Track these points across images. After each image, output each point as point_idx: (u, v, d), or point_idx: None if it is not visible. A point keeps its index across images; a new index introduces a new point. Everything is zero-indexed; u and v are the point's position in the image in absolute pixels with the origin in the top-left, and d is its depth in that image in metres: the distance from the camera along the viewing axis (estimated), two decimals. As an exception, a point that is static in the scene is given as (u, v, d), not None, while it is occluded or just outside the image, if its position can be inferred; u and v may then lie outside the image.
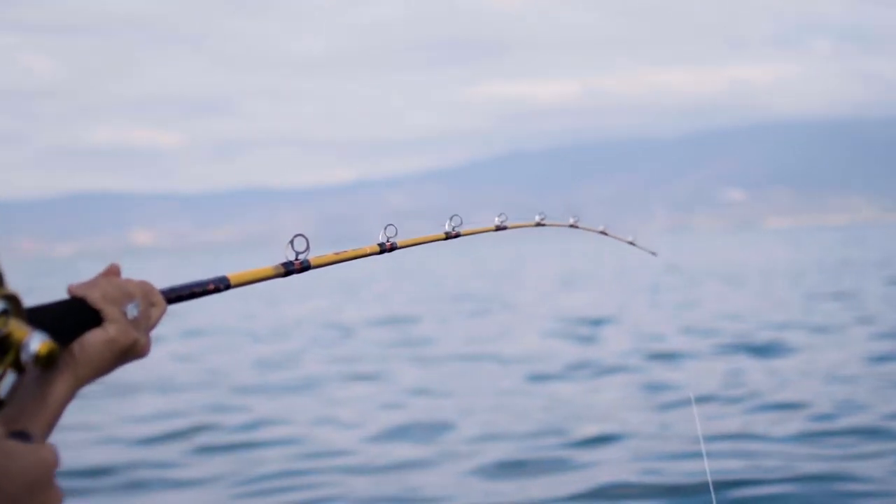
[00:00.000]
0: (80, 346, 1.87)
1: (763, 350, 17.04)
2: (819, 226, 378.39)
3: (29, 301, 1.73)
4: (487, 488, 8.83)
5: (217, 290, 2.20)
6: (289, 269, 2.39)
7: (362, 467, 9.91)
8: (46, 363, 1.59)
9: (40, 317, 1.79)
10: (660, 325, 22.28)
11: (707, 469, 8.32)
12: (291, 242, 2.40)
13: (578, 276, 50.63)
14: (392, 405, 13.53)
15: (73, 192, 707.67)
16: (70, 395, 1.89)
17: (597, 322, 23.78)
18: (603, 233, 4.22)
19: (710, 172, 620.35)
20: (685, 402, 12.21)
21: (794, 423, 10.67)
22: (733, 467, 8.73)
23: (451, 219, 3.14)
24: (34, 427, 1.82)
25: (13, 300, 1.61)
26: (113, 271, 2.01)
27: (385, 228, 2.77)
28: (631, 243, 4.49)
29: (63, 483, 1.59)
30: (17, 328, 1.59)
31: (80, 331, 1.88)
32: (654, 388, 13.69)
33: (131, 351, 1.95)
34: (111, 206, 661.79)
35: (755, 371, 14.76)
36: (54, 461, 1.54)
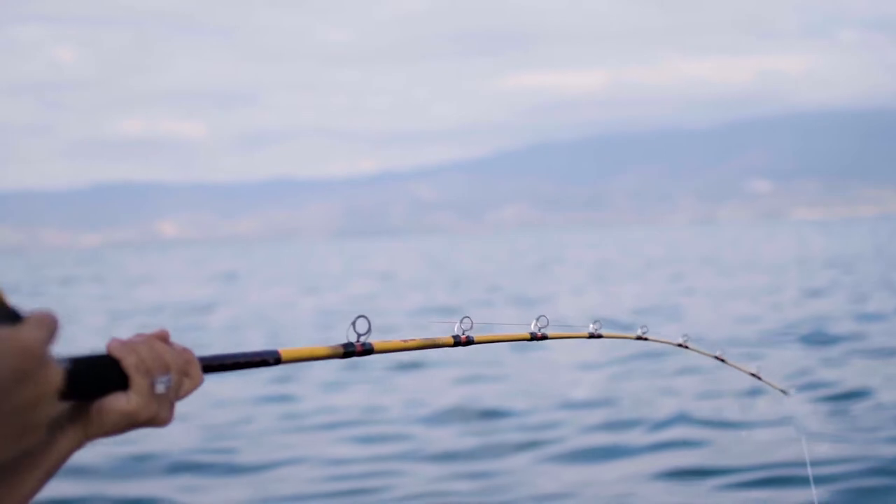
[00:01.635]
0: (98, 408, 1.87)
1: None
2: (847, 217, 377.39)
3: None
4: None
5: (265, 363, 2.15)
6: (348, 351, 2.32)
7: None
8: None
9: (73, 366, 1.77)
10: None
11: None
12: (353, 324, 2.31)
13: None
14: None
15: (100, 183, 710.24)
16: (75, 449, 1.90)
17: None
18: (719, 359, 3.93)
19: (737, 163, 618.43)
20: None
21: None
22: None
23: (537, 319, 2.90)
24: (32, 475, 1.84)
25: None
26: (160, 336, 1.96)
27: (461, 321, 2.63)
28: (754, 375, 4.00)
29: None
30: None
31: (107, 390, 1.87)
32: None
33: (148, 423, 1.93)
34: (138, 196, 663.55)
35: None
36: (38, 340, 1.47)
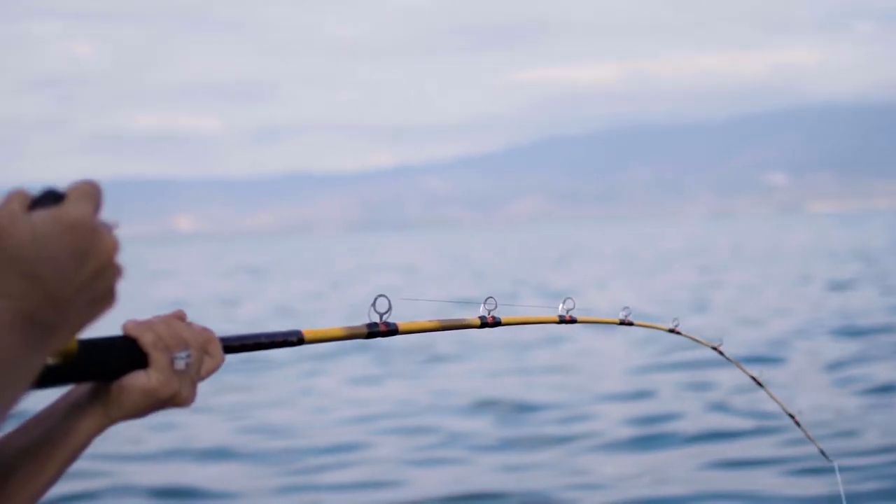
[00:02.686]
0: (119, 388, 1.85)
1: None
2: (862, 210, 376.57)
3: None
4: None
5: (288, 343, 2.13)
6: (372, 331, 2.26)
7: None
8: (62, 358, 1.57)
9: (89, 349, 1.78)
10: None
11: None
12: (374, 303, 2.26)
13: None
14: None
15: (115, 178, 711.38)
16: (97, 433, 1.89)
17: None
18: (756, 381, 3.63)
19: (752, 157, 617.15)
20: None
21: None
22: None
23: (564, 301, 2.80)
24: (54, 460, 1.85)
25: None
26: (177, 315, 1.96)
27: (485, 301, 2.55)
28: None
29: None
30: None
31: (126, 370, 1.86)
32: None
33: (170, 402, 1.91)
34: (153, 192, 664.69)
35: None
36: (84, 214, 1.47)
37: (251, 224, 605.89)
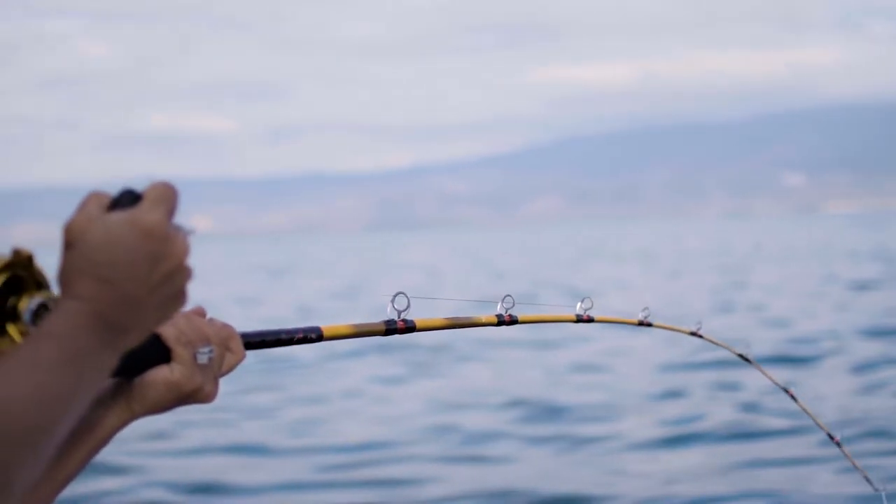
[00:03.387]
0: (142, 382, 1.90)
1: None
2: (880, 210, 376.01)
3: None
4: None
5: (307, 339, 2.16)
6: (390, 328, 2.30)
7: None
8: (36, 315, 1.55)
9: None
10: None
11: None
12: (393, 300, 2.29)
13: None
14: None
15: (129, 178, 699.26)
16: (120, 427, 1.93)
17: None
18: (789, 394, 3.65)
19: (769, 156, 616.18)
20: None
21: None
22: None
23: (582, 301, 2.80)
24: (78, 452, 1.88)
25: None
26: (198, 312, 2.01)
27: (503, 299, 2.56)
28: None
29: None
30: None
31: (149, 365, 1.90)
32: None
33: (193, 396, 1.95)
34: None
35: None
36: (159, 219, 1.57)
37: (265, 224, 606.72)
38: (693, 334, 3.20)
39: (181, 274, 1.58)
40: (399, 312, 2.32)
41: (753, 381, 11.96)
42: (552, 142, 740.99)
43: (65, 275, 1.53)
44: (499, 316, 2.59)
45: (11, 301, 1.58)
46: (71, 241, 1.52)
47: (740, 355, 3.44)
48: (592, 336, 17.67)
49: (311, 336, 2.16)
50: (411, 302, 2.32)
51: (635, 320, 2.96)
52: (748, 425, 10.04)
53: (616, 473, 8.75)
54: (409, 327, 2.33)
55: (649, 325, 2.97)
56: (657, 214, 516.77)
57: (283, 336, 2.12)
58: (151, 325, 1.55)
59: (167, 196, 1.61)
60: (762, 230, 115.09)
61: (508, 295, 2.59)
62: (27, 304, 1.57)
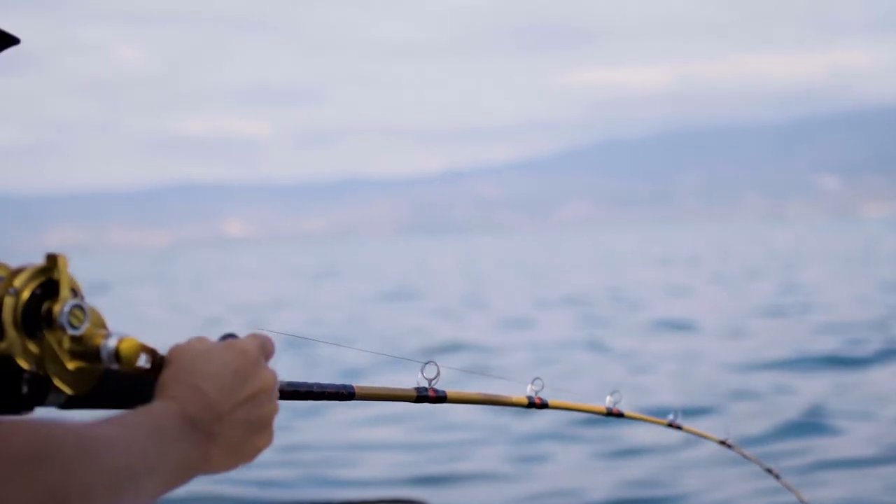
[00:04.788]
0: None
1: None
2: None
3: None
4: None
5: (338, 396, 2.16)
6: (421, 396, 2.28)
7: None
8: (125, 361, 1.62)
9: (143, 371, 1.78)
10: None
11: None
12: (422, 369, 2.28)
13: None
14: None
15: (165, 182, 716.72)
16: None
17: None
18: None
19: (805, 159, 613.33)
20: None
21: None
22: None
23: (612, 394, 2.79)
24: None
25: (93, 311, 1.64)
26: None
27: (533, 381, 2.53)
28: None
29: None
30: (94, 331, 1.63)
31: None
32: None
33: None
34: (203, 195, 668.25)
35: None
36: (253, 347, 1.69)
37: (300, 228, 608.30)
38: (722, 443, 3.14)
39: (268, 401, 1.69)
40: (429, 381, 2.29)
41: None
42: (587, 145, 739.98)
43: (161, 382, 1.63)
44: (529, 398, 2.54)
45: (46, 305, 1.60)
46: (171, 359, 1.65)
47: (768, 469, 3.32)
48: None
49: (343, 393, 2.16)
50: (442, 370, 2.27)
51: (665, 421, 2.98)
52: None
53: None
54: (440, 397, 2.31)
55: (679, 427, 2.99)
56: (691, 218, 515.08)
57: (316, 390, 2.10)
58: (236, 442, 1.65)
59: (265, 341, 1.73)
60: (799, 234, 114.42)
61: (538, 378, 2.54)
62: (62, 307, 1.59)
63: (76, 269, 1.64)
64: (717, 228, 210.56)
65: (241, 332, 1.82)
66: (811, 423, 10.90)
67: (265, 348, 1.72)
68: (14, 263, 1.63)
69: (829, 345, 16.60)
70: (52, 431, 1.43)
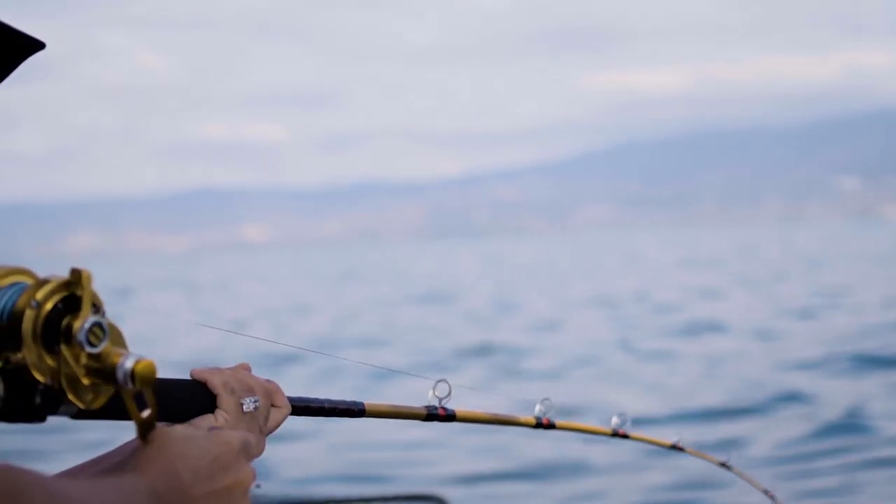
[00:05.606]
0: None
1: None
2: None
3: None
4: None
5: (349, 413, 2.21)
6: (431, 414, 2.34)
7: None
8: (141, 381, 1.61)
9: (161, 388, 1.85)
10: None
11: None
12: (434, 388, 2.34)
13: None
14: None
15: (184, 188, 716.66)
16: None
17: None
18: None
19: (824, 161, 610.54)
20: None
21: None
22: None
23: (618, 415, 2.84)
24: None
25: (113, 329, 1.63)
26: (243, 367, 2.06)
27: (541, 402, 2.60)
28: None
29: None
30: (112, 349, 1.62)
31: (194, 413, 1.95)
32: None
33: None
34: (222, 200, 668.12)
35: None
36: (237, 440, 1.69)
37: (320, 232, 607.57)
38: (723, 465, 3.17)
39: (242, 497, 1.66)
40: (440, 399, 2.34)
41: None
42: (606, 148, 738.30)
43: (139, 457, 1.64)
44: (537, 418, 2.60)
45: (66, 320, 1.60)
46: (155, 438, 1.64)
47: (765, 491, 3.28)
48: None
49: (354, 410, 2.21)
50: (453, 390, 2.32)
51: (668, 443, 3.04)
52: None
53: None
54: (449, 415, 2.36)
55: (681, 449, 3.05)
56: (710, 221, 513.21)
57: (327, 406, 2.16)
58: None
59: (250, 440, 1.72)
60: (824, 234, 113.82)
61: (547, 398, 2.60)
62: (81, 325, 1.58)
63: (97, 275, 1.64)
64: (738, 230, 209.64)
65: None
66: (851, 424, 10.90)
67: (248, 446, 1.71)
68: (35, 270, 1.64)
69: (865, 345, 16.56)
70: (20, 478, 1.42)
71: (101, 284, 1.63)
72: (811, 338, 18.45)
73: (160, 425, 1.80)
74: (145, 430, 1.65)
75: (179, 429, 1.66)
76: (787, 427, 11.12)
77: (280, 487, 9.22)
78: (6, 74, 1.98)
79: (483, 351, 19.79)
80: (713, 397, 12.97)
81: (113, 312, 1.66)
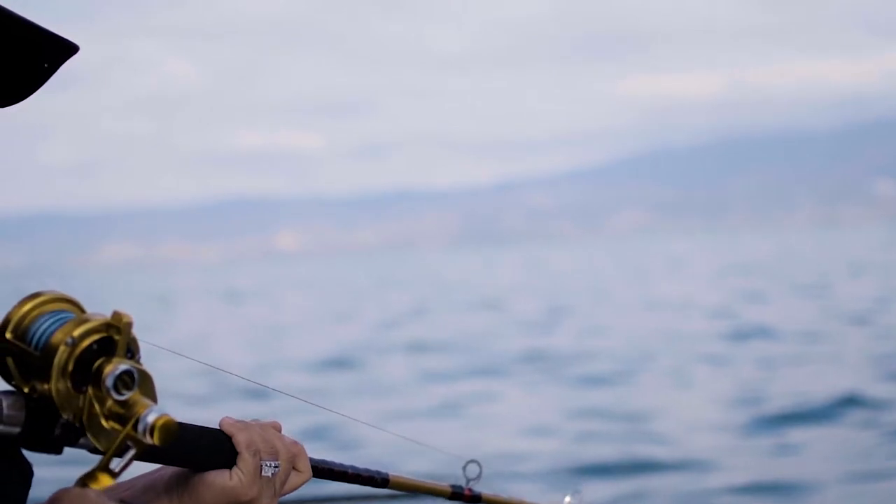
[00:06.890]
0: (201, 480, 1.89)
1: None
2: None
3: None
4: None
5: (373, 482, 2.16)
6: (456, 493, 2.29)
7: None
8: (160, 438, 1.59)
9: (185, 434, 1.85)
10: None
11: None
12: (465, 468, 2.29)
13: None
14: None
15: (218, 196, 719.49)
16: None
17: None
18: None
19: (859, 165, 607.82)
20: None
21: None
22: None
23: (572, 494, 2.62)
24: None
25: (144, 376, 1.63)
26: (274, 426, 2.02)
27: (571, 495, 2.50)
28: None
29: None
30: (139, 399, 1.61)
31: (213, 464, 1.91)
32: None
33: None
34: (255, 209, 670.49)
35: None
36: (245, 489, 1.79)
37: (353, 241, 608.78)
38: None
39: None
40: (468, 480, 2.29)
41: None
42: (639, 153, 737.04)
43: (162, 478, 1.73)
44: None
45: (99, 363, 1.60)
46: (81, 493, 1.57)
47: None
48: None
49: (377, 479, 2.16)
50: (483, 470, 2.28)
51: None
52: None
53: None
54: (475, 497, 2.29)
55: None
56: (745, 226, 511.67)
57: (350, 472, 2.13)
58: None
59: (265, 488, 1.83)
60: (863, 239, 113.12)
61: (578, 491, 2.52)
62: (112, 370, 1.58)
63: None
64: (773, 235, 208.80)
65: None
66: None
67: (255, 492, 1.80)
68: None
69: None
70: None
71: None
72: (862, 343, 18.27)
73: (156, 469, 1.90)
74: (89, 478, 1.58)
75: (93, 496, 1.55)
76: (852, 435, 11.00)
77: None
78: (46, 78, 1.96)
79: (534, 357, 19.68)
80: (775, 403, 12.71)
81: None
